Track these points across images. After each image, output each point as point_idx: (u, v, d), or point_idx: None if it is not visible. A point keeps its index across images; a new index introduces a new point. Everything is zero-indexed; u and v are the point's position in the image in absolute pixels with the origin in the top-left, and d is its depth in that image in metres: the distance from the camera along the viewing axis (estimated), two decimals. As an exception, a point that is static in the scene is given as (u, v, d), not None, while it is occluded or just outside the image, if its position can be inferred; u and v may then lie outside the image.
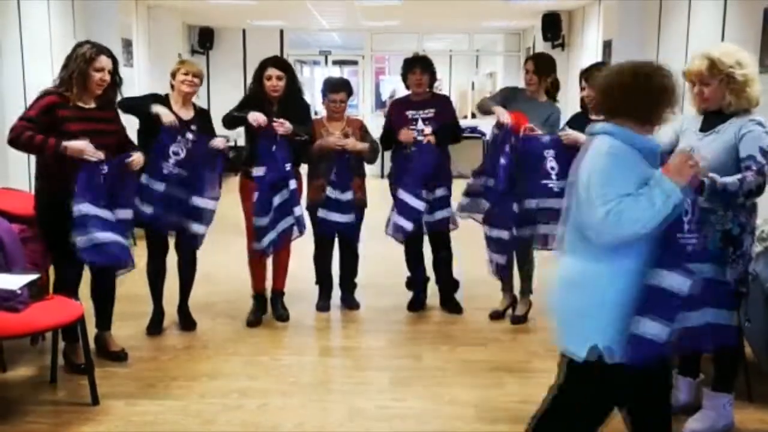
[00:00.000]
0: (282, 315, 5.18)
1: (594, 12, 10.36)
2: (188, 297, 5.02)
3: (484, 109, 5.14)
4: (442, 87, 14.84)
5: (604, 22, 9.57)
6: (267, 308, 5.23)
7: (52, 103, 3.98)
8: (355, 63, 15.81)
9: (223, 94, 11.69)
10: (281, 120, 4.75)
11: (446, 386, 4.13)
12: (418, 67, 5.17)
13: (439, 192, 5.14)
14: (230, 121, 4.87)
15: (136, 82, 9.11)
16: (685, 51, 7.30)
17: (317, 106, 5.88)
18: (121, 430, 3.59)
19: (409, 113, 5.19)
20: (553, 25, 11.53)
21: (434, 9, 11.28)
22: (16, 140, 3.91)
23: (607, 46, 8.98)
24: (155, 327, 4.87)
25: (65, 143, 3.89)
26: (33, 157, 6.52)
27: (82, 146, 3.93)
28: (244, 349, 4.67)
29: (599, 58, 9.27)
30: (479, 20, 13.08)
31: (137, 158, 4.23)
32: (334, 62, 16.39)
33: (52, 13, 7.26)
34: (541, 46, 11.88)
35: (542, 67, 5.01)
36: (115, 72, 4.16)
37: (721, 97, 3.28)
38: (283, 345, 4.80)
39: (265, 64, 4.95)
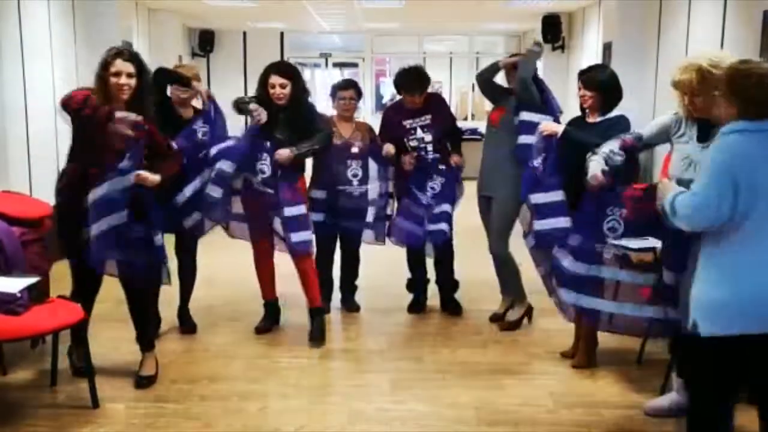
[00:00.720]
0: (316, 338, 4.86)
1: (594, 14, 10.36)
2: (189, 300, 5.02)
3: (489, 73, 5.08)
4: (442, 89, 14.87)
5: (604, 24, 9.56)
6: (279, 317, 5.15)
7: (88, 95, 3.88)
8: (355, 65, 15.82)
9: (224, 96, 11.66)
10: (281, 151, 4.61)
11: (446, 388, 4.13)
12: (417, 91, 5.09)
13: (444, 207, 5.08)
14: (239, 108, 4.77)
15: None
16: (685, 53, 7.30)
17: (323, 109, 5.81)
18: (121, 433, 3.60)
19: (407, 123, 5.15)
20: (553, 27, 11.52)
21: (435, 10, 11.28)
22: (78, 98, 3.82)
23: (607, 48, 8.97)
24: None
25: (117, 113, 3.80)
26: (33, 161, 6.57)
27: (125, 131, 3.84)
28: (244, 352, 4.66)
29: (599, 60, 9.27)
30: (479, 22, 13.09)
31: (146, 178, 3.92)
32: (335, 64, 16.40)
33: (52, 15, 7.27)
34: (542, 49, 11.89)
35: None
36: (140, 74, 3.91)
37: (713, 107, 3.17)
38: (283, 348, 4.79)
39: (268, 71, 4.80)
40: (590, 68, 4.55)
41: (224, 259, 5.90)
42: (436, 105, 5.30)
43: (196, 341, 4.86)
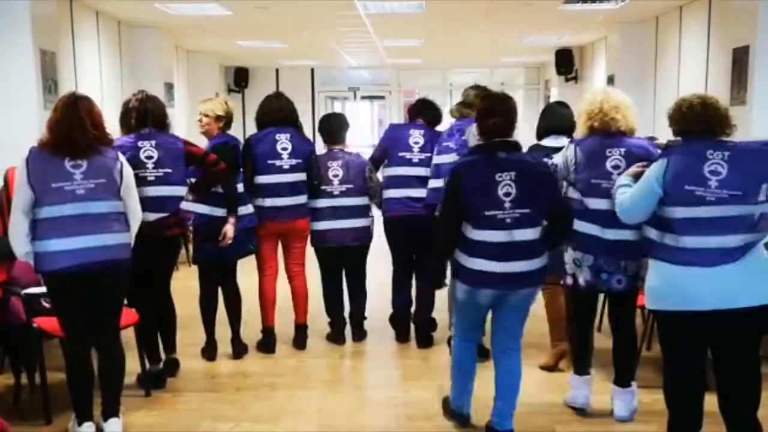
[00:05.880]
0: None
1: (602, 47, 11.00)
2: (239, 328, 5.34)
3: None
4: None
5: (607, 57, 10.27)
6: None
7: None
8: (382, 98, 16.57)
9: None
10: None
11: (448, 380, 4.73)
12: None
13: None
14: None
15: (177, 122, 9.90)
16: (677, 82, 7.93)
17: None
18: (169, 415, 4.27)
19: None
20: (566, 60, 12.15)
21: (452, 48, 12.00)
22: None
23: (611, 79, 9.66)
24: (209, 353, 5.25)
25: None
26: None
27: None
28: (274, 355, 5.30)
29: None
30: (497, 56, 13.73)
31: None
32: (363, 97, 17.16)
33: (102, 59, 8.14)
34: (556, 80, 12.56)
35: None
36: None
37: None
38: (308, 350, 5.41)
39: None
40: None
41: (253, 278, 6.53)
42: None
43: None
